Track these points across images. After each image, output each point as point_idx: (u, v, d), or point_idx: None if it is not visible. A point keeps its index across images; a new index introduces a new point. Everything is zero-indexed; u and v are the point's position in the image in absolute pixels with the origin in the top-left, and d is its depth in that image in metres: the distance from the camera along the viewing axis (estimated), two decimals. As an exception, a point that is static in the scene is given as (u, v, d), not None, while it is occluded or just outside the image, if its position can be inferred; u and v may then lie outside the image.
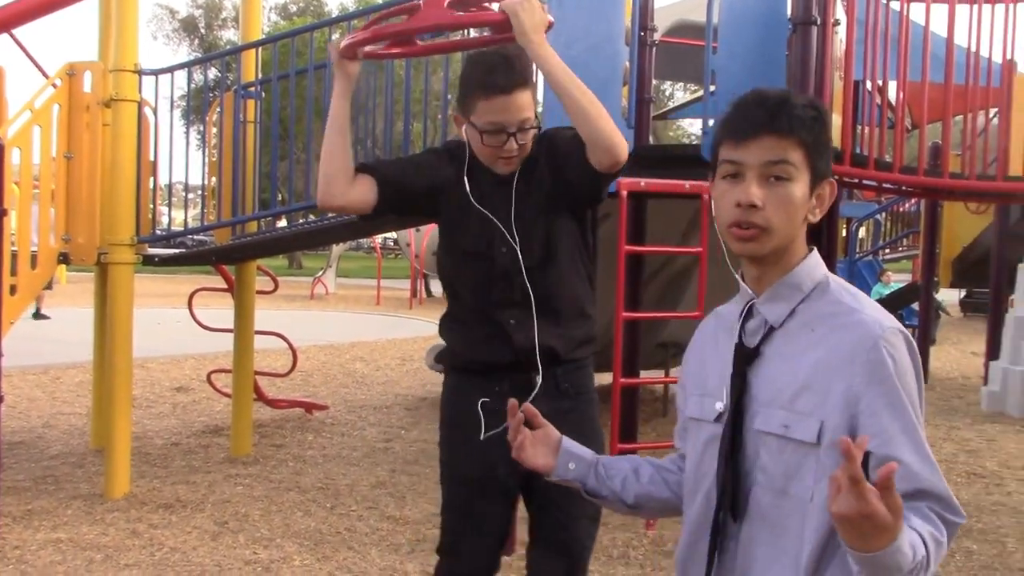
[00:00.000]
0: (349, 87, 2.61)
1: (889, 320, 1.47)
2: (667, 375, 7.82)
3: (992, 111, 6.19)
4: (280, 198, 17.46)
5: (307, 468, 5.97)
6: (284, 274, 26.08)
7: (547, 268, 2.57)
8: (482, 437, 2.52)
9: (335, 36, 6.17)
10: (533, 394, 2.49)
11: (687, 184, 4.77)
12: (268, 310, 15.99)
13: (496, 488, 2.59)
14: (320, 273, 23.50)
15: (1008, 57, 5.51)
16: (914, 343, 1.48)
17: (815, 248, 1.55)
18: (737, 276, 1.60)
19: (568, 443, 1.77)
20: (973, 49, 5.33)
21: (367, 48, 2.52)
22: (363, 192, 2.58)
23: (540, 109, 2.73)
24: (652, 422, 7.58)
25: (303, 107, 5.90)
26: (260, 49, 6.56)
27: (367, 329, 14.91)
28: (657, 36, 6.22)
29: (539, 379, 2.53)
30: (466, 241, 2.58)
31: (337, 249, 23.68)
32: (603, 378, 7.49)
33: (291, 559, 4.33)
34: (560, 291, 2.60)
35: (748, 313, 1.57)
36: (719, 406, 1.57)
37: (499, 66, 2.44)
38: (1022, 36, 5.21)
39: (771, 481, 1.48)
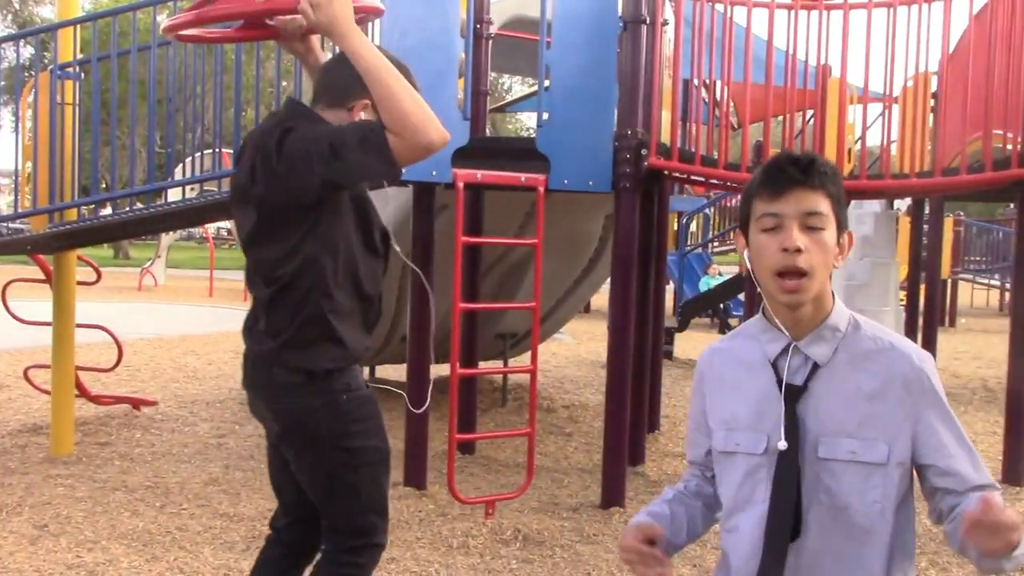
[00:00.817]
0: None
1: (919, 349, 1.75)
2: (506, 365, 7.93)
3: (809, 112, 6.53)
4: (104, 185, 16.68)
5: (135, 466, 5.75)
6: (110, 265, 24.96)
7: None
8: None
9: (160, 17, 5.95)
10: None
11: (523, 177, 4.84)
12: (92, 302, 15.24)
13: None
14: (148, 264, 22.57)
15: (823, 62, 5.83)
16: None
17: (834, 293, 1.77)
18: (769, 319, 1.78)
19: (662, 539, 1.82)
20: (792, 53, 5.61)
21: (188, 32, 2.48)
22: None
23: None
24: (491, 412, 7.66)
25: (127, 90, 5.66)
26: (80, 27, 6.25)
27: (199, 321, 14.45)
28: (493, 29, 6.29)
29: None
30: None
31: (166, 239, 22.82)
32: (442, 369, 7.54)
33: (118, 561, 4.16)
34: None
35: (787, 353, 1.75)
36: (769, 439, 1.73)
37: None
38: (836, 42, 5.51)
39: (834, 500, 1.69)
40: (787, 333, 1.75)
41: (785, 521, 1.69)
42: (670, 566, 1.74)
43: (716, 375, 1.86)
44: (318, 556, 2.83)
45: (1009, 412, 5.85)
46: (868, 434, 1.68)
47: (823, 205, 1.68)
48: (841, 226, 1.72)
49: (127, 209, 6.67)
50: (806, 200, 1.68)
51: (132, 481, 5.41)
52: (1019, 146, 5.36)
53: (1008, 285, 17.64)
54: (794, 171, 1.68)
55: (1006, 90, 5.49)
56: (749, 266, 1.76)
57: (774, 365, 1.76)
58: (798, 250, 1.66)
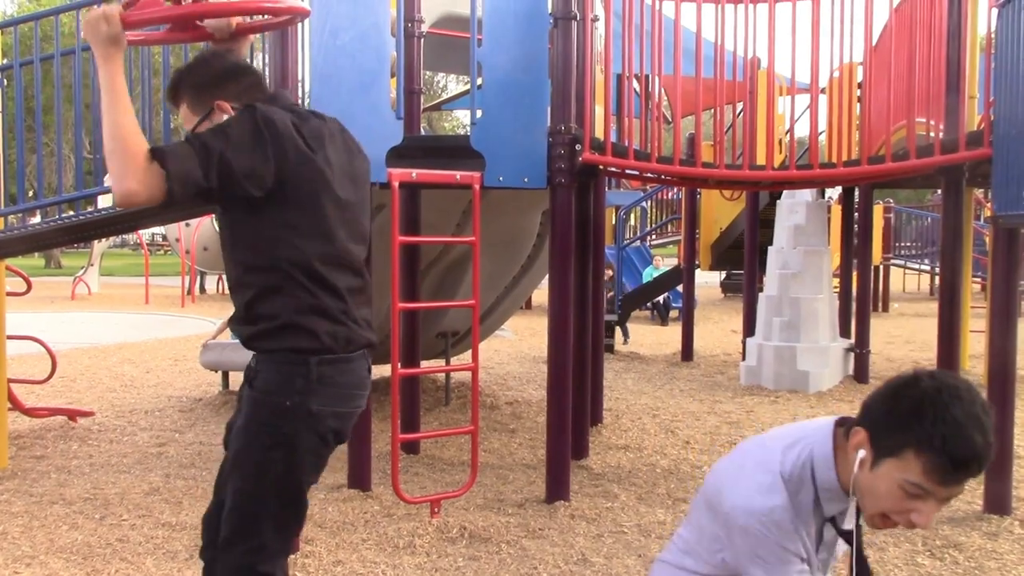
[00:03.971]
0: (122, 62, 2.45)
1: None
2: (448, 363, 7.93)
3: (739, 105, 6.63)
4: (31, 193, 16.34)
5: (72, 479, 5.65)
6: (40, 274, 24.44)
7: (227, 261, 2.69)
8: None
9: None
10: None
11: (458, 175, 4.85)
12: (23, 313, 14.94)
13: None
14: (81, 272, 22.14)
15: (751, 54, 5.92)
16: None
17: None
18: (843, 487, 1.88)
19: None
20: (723, 46, 5.69)
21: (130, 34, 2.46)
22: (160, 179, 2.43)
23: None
24: (435, 411, 7.66)
25: (53, 95, 5.55)
26: (1, 33, 6.11)
27: (135, 330, 14.21)
28: (425, 27, 6.29)
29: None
30: None
31: (99, 246, 22.40)
32: (383, 370, 7.51)
33: (56, 576, 4.10)
34: (232, 282, 2.67)
35: (843, 513, 1.94)
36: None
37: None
38: (763, 34, 5.60)
39: None
40: (843, 494, 1.88)
41: None
42: None
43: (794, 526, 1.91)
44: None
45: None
46: None
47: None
48: None
49: (56, 217, 6.53)
50: (962, 488, 1.73)
51: (70, 494, 5.31)
52: (942, 133, 5.50)
53: (938, 270, 18.08)
54: (976, 472, 1.69)
55: (928, 79, 5.63)
56: (856, 468, 1.79)
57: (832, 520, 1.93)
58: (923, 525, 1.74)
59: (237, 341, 5.15)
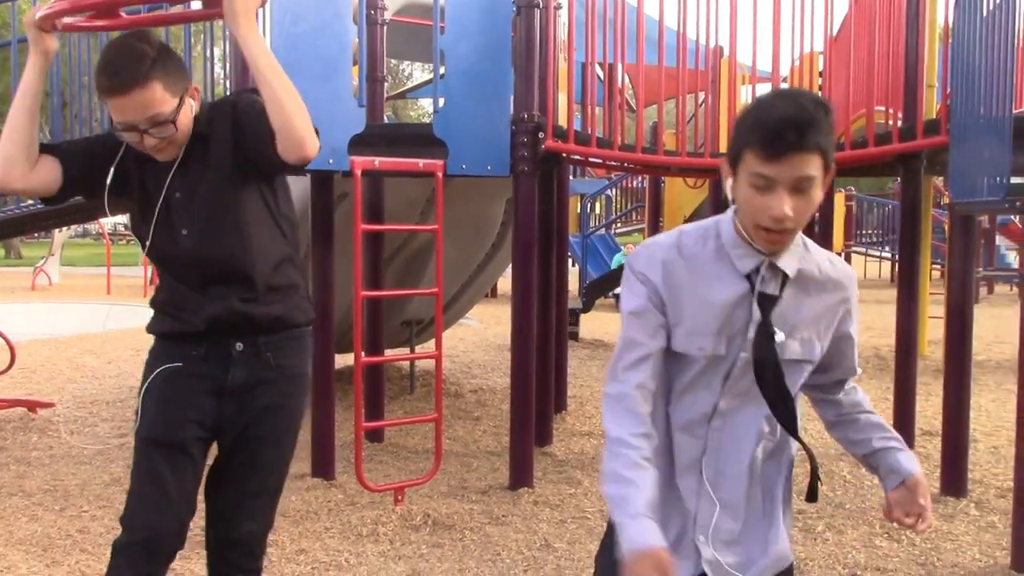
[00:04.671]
0: (44, 63, 2.50)
1: (851, 271, 1.97)
2: (412, 352, 7.92)
3: (702, 94, 6.67)
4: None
5: (32, 470, 5.59)
6: (0, 265, 24.08)
7: (223, 238, 2.55)
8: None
9: (31, 8, 5.75)
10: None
11: (421, 163, 4.84)
12: (-18, 304, 14.74)
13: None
14: (41, 262, 21.81)
15: (713, 43, 5.96)
16: None
17: None
18: (742, 237, 1.85)
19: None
20: (686, 35, 5.71)
21: (66, 20, 2.42)
22: (47, 173, 2.52)
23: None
24: (399, 399, 7.65)
25: (11, 84, 5.47)
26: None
27: (97, 320, 14.06)
28: (388, 15, 6.26)
29: (239, 346, 2.60)
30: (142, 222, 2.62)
31: (60, 236, 22.10)
32: (346, 358, 7.49)
33: (16, 567, 4.05)
34: (246, 260, 2.57)
35: (761, 270, 1.85)
36: (731, 342, 1.85)
37: (114, 64, 2.37)
38: (725, 23, 5.63)
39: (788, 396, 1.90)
40: (763, 251, 1.83)
41: (789, 411, 1.89)
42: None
43: (675, 278, 1.87)
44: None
45: (898, 379, 6.10)
46: (809, 336, 1.89)
47: (815, 167, 1.71)
48: (829, 168, 1.76)
49: (14, 207, 6.45)
50: (800, 166, 1.70)
51: (29, 485, 5.26)
52: (900, 122, 5.56)
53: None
54: (792, 136, 1.67)
55: (887, 69, 5.69)
56: (730, 195, 1.81)
57: (748, 277, 1.85)
58: (786, 217, 1.72)
59: None
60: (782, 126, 1.68)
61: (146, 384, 2.63)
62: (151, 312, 2.69)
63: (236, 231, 2.54)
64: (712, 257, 1.86)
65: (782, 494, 1.96)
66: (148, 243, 2.59)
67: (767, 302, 1.84)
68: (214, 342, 2.58)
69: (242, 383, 2.61)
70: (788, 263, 1.84)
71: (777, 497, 1.95)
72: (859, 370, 2.05)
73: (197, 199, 2.53)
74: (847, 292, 1.95)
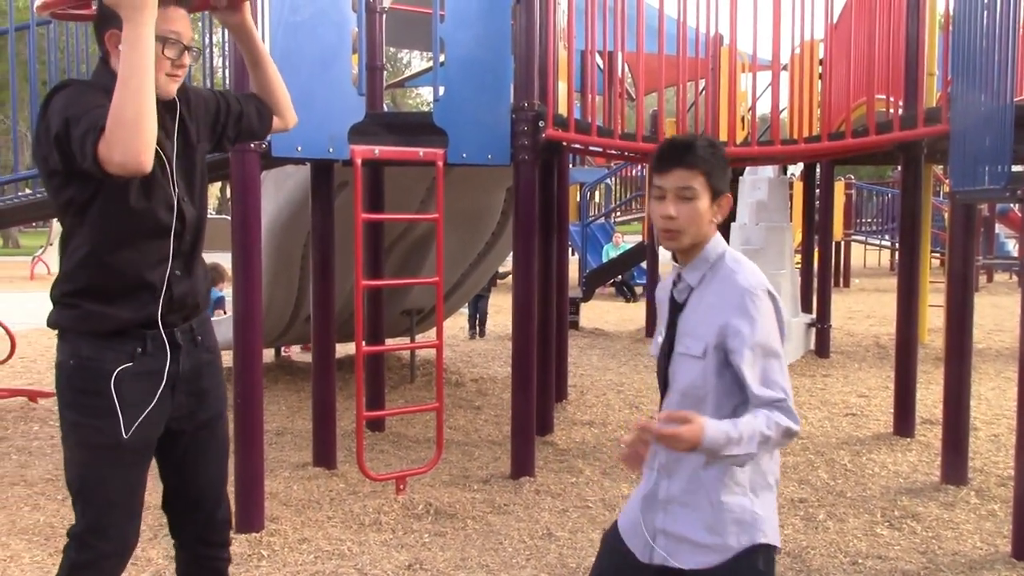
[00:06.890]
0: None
1: (757, 280, 2.20)
2: (413, 341, 7.92)
3: (703, 82, 6.65)
4: (-11, 172, 16.06)
5: (34, 460, 5.60)
6: (-1, 254, 24.07)
7: (205, 207, 2.67)
8: None
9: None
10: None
11: (421, 152, 4.83)
12: (-19, 294, 14.73)
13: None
14: (40, 252, 21.82)
15: (713, 31, 5.94)
16: (776, 296, 2.22)
17: (719, 234, 2.28)
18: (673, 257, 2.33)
19: None
20: (686, 23, 5.70)
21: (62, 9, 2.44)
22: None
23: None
24: (400, 389, 7.66)
25: (8, 71, 5.46)
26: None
27: (96, 310, 14.02)
28: (387, 3, 6.24)
29: (179, 333, 2.56)
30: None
31: (58, 225, 22.05)
32: (347, 348, 7.49)
33: (19, 557, 4.06)
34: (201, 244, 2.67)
35: (677, 280, 2.32)
36: (660, 340, 2.37)
37: None
38: (725, 11, 5.62)
39: (677, 378, 2.29)
40: (680, 265, 2.31)
41: (663, 383, 2.39)
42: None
43: (661, 297, 2.42)
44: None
45: (898, 368, 6.11)
46: (699, 334, 2.22)
47: (696, 181, 2.19)
48: (717, 193, 2.22)
49: (14, 196, 6.44)
50: (681, 178, 2.20)
51: (31, 475, 5.26)
52: (900, 110, 5.56)
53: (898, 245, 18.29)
54: (673, 154, 2.20)
55: (887, 57, 5.68)
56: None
57: (674, 287, 2.34)
58: (671, 217, 2.20)
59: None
60: (668, 146, 2.24)
61: (95, 387, 2.45)
62: (61, 307, 2.49)
63: (205, 200, 2.66)
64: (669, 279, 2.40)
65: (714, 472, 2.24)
66: (161, 213, 2.46)
67: (675, 308, 2.32)
68: (155, 332, 2.48)
69: (190, 370, 2.59)
70: (693, 276, 2.28)
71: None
72: (764, 398, 2.14)
73: (194, 168, 2.59)
74: (731, 318, 2.17)
